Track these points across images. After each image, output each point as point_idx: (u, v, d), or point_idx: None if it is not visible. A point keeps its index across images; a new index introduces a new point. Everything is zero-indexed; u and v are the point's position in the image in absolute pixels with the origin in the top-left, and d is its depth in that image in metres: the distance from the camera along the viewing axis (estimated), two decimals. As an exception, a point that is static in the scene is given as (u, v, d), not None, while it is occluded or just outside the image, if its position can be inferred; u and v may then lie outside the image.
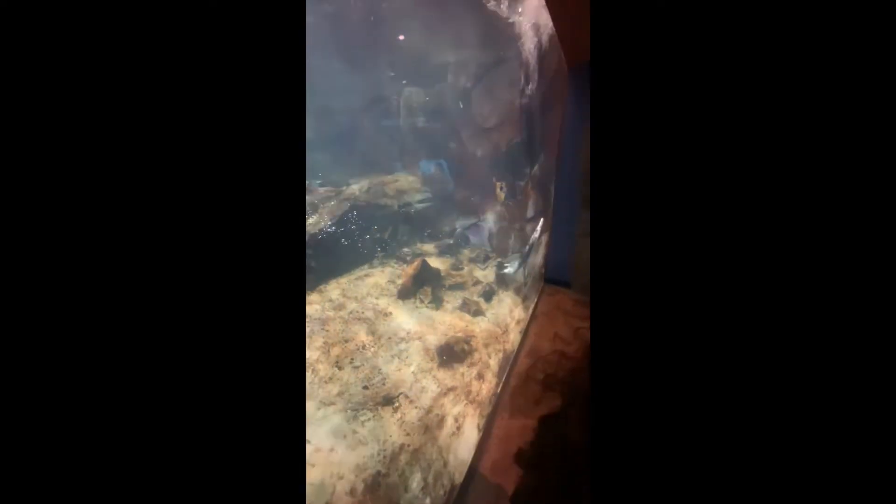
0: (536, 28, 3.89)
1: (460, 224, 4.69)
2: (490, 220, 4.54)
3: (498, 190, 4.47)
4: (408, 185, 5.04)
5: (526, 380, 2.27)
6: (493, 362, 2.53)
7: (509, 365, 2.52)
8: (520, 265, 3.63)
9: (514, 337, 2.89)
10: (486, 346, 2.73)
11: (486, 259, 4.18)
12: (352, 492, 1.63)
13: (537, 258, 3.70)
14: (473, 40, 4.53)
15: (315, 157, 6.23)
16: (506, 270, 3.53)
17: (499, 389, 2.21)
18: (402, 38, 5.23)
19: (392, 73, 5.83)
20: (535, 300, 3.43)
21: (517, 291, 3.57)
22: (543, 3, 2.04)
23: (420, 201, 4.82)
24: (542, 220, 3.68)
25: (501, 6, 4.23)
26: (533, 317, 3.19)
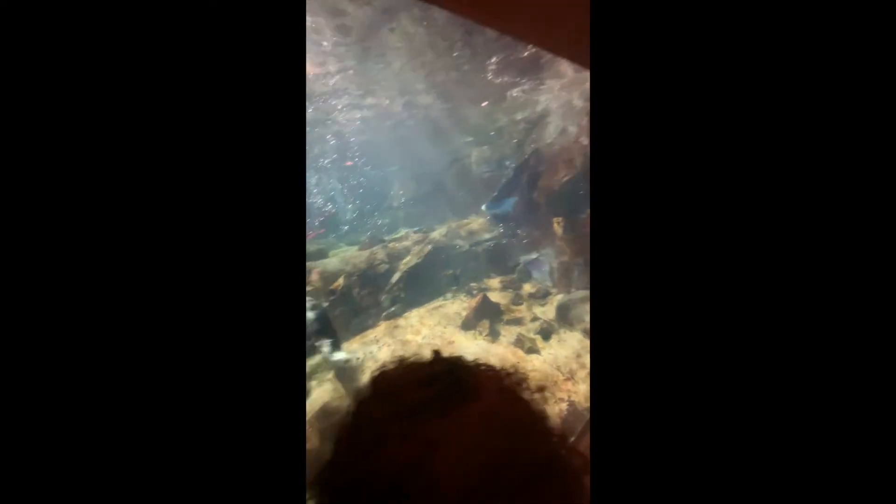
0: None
1: (523, 259, 4.75)
2: (550, 255, 4.36)
3: (556, 225, 4.31)
4: (478, 226, 5.68)
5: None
6: (550, 411, 2.40)
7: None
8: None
9: (584, 388, 2.57)
10: (541, 389, 2.62)
11: (546, 295, 3.98)
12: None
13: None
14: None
15: (415, 210, 8.29)
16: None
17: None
18: (485, 104, 6.40)
19: (469, 139, 7.32)
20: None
21: (586, 333, 3.17)
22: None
23: (488, 240, 5.31)
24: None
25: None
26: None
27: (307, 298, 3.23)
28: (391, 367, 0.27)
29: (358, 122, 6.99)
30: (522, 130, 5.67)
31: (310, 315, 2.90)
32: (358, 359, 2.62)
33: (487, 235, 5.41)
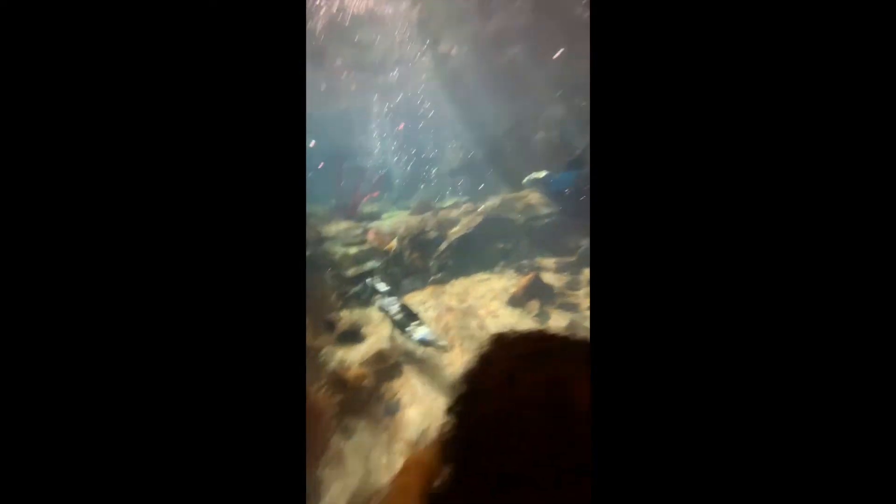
0: None
1: (586, 243, 4.19)
2: None
3: None
4: (537, 199, 5.15)
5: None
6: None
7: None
8: None
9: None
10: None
11: None
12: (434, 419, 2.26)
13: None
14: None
15: (467, 177, 7.88)
16: None
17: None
18: (558, 54, 5.34)
19: (539, 96, 6.09)
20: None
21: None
22: None
23: (546, 216, 4.80)
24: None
25: None
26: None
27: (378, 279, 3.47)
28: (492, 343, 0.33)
29: (422, 82, 6.58)
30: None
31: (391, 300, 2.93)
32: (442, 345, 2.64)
33: (546, 211, 4.89)
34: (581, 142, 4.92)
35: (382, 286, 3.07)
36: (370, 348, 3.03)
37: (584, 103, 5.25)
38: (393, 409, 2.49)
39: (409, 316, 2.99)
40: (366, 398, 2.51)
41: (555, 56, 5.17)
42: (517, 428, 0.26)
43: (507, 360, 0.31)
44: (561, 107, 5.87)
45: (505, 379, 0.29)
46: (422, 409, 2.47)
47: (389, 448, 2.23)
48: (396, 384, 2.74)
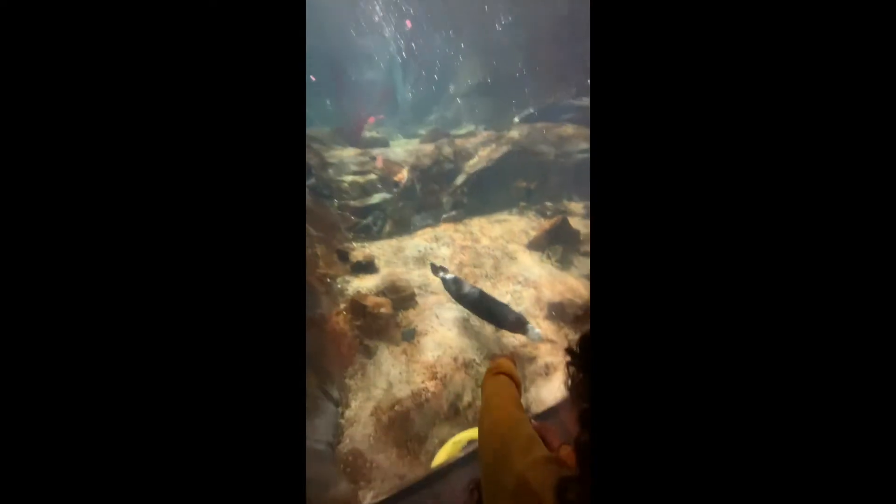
0: None
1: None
2: None
3: None
4: (574, 130, 4.39)
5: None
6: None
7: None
8: None
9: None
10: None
11: None
12: (455, 359, 2.39)
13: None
14: None
15: (487, 101, 6.52)
16: None
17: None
18: None
19: None
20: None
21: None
22: None
23: (583, 151, 4.16)
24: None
25: None
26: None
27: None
28: None
29: None
30: None
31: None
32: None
33: (583, 146, 4.22)
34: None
35: (449, 275, 2.72)
36: (384, 280, 3.00)
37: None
38: (409, 336, 2.58)
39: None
40: (384, 325, 2.57)
41: None
42: None
43: None
44: None
45: None
46: (436, 338, 2.56)
47: (409, 367, 2.38)
48: (412, 314, 2.79)
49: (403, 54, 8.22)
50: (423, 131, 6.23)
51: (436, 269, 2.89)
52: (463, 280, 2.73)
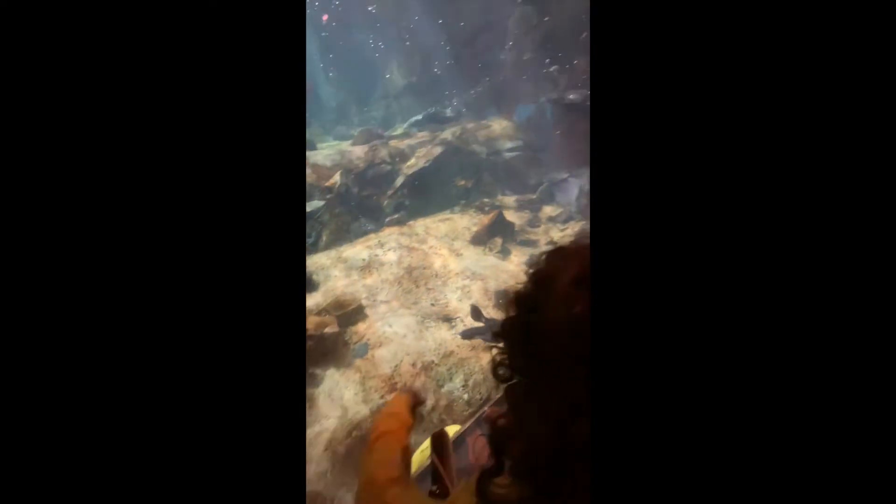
0: None
1: (548, 179, 4.25)
2: (584, 178, 3.90)
3: None
4: (500, 130, 4.77)
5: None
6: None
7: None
8: None
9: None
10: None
11: (568, 220, 3.79)
12: (413, 364, 2.33)
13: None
14: None
15: (418, 101, 6.53)
16: None
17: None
18: None
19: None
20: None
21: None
22: None
23: (510, 149, 4.56)
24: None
25: None
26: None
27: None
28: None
29: None
30: None
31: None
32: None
33: (510, 144, 4.62)
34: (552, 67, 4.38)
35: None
36: (326, 296, 2.72)
37: (547, 18, 4.51)
38: (362, 352, 2.40)
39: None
40: (331, 346, 2.33)
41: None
42: (574, 344, 0.26)
43: (576, 272, 0.29)
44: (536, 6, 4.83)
45: (562, 298, 0.28)
46: (392, 348, 2.45)
47: (364, 385, 2.21)
48: (362, 328, 2.60)
49: (330, 54, 7.52)
50: (353, 132, 5.86)
51: (478, 314, 2.56)
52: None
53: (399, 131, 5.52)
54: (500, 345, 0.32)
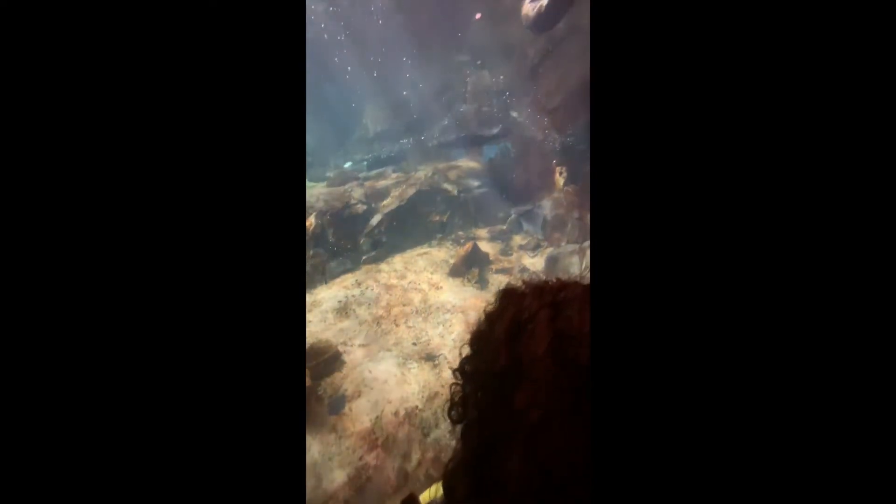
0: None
1: (515, 210, 4.63)
2: (546, 208, 4.30)
3: (557, 175, 4.15)
4: (468, 170, 5.22)
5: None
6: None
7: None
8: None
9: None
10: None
11: (537, 247, 4.07)
12: (395, 413, 2.16)
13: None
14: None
15: (390, 147, 7.12)
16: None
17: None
18: (478, 16, 5.13)
19: (463, 58, 5.93)
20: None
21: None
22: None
23: (479, 187, 4.95)
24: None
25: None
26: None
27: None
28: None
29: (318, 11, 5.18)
30: (540, 51, 4.30)
31: None
32: None
33: (477, 182, 5.03)
34: (499, 115, 5.13)
35: None
36: (298, 345, 2.52)
37: (502, 76, 5.39)
38: (338, 406, 2.20)
39: None
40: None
41: (476, 17, 4.98)
42: (525, 385, 0.26)
43: (512, 316, 0.30)
44: (483, 75, 5.84)
45: (510, 336, 0.29)
46: (372, 397, 2.27)
47: (340, 445, 1.98)
48: (338, 378, 2.41)
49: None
50: (330, 174, 6.05)
51: None
52: None
53: (373, 173, 5.79)
54: (458, 382, 0.32)
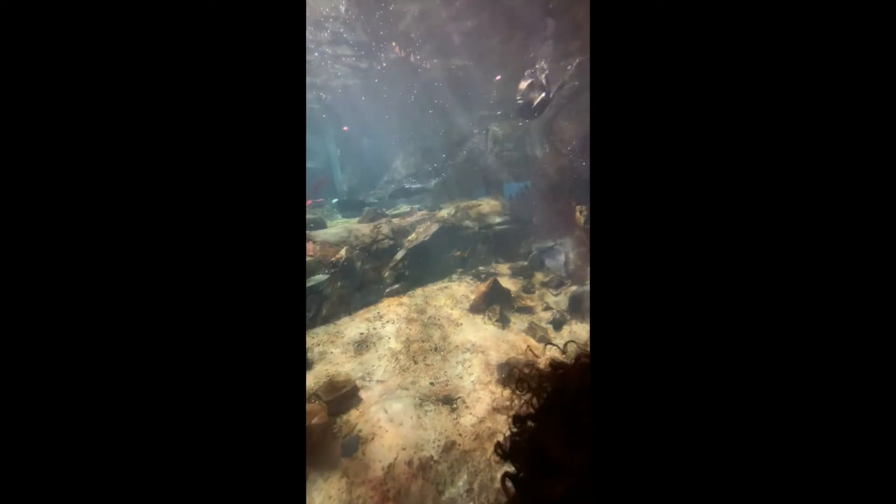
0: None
1: (536, 247, 4.62)
2: (568, 245, 4.25)
3: (578, 214, 4.17)
4: (489, 208, 5.44)
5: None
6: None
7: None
8: None
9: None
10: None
11: (560, 285, 3.93)
12: (409, 463, 2.01)
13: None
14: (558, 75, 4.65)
15: (412, 182, 7.88)
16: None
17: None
18: (498, 77, 5.87)
19: (484, 113, 6.76)
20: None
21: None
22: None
23: (500, 224, 5.11)
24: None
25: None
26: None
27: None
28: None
29: (357, 83, 6.34)
30: (554, 107, 4.97)
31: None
32: None
33: (498, 220, 5.20)
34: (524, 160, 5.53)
35: None
36: (318, 378, 2.56)
37: (521, 124, 5.94)
38: (352, 448, 2.12)
39: None
40: (317, 441, 2.07)
41: (496, 78, 5.69)
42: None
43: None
44: (503, 125, 6.51)
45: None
46: (386, 441, 2.17)
47: (350, 494, 1.87)
48: (354, 415, 2.36)
49: (338, 151, 9.68)
50: (363, 211, 6.69)
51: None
52: None
53: (399, 211, 6.30)
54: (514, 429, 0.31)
